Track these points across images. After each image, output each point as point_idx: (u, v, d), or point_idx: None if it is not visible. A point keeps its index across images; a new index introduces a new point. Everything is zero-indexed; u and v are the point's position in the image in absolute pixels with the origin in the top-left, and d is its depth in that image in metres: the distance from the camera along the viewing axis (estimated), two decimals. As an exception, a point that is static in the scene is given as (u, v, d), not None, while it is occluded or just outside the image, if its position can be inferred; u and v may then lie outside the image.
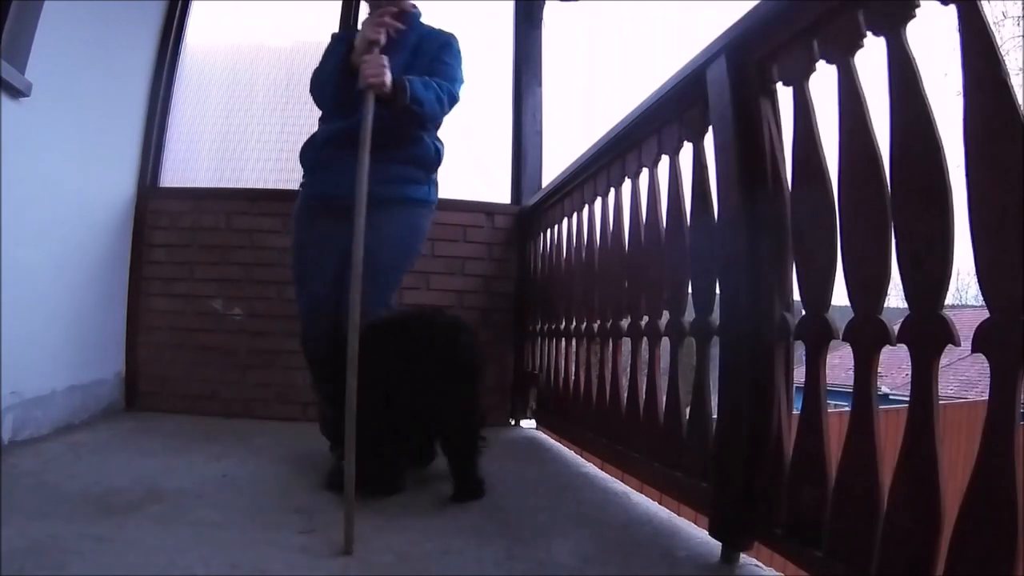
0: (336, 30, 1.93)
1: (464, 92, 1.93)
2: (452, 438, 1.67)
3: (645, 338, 1.75)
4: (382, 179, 1.80)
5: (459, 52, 1.95)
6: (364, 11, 3.10)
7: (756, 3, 1.20)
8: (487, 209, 3.05)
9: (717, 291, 1.37)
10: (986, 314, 0.79)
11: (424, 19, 2.02)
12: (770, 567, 1.23)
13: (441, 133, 2.00)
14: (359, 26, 1.85)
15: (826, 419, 1.08)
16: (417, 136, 1.89)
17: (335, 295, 1.78)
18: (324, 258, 1.85)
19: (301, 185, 1.99)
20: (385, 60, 1.70)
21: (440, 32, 1.96)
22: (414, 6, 2.00)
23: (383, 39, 1.75)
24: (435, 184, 1.99)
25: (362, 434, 1.40)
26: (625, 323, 1.87)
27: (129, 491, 1.59)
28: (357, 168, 1.54)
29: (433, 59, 1.87)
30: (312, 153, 1.95)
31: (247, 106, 3.14)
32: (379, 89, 1.66)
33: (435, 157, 1.95)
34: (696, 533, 1.42)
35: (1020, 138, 0.75)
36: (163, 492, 1.60)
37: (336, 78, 1.82)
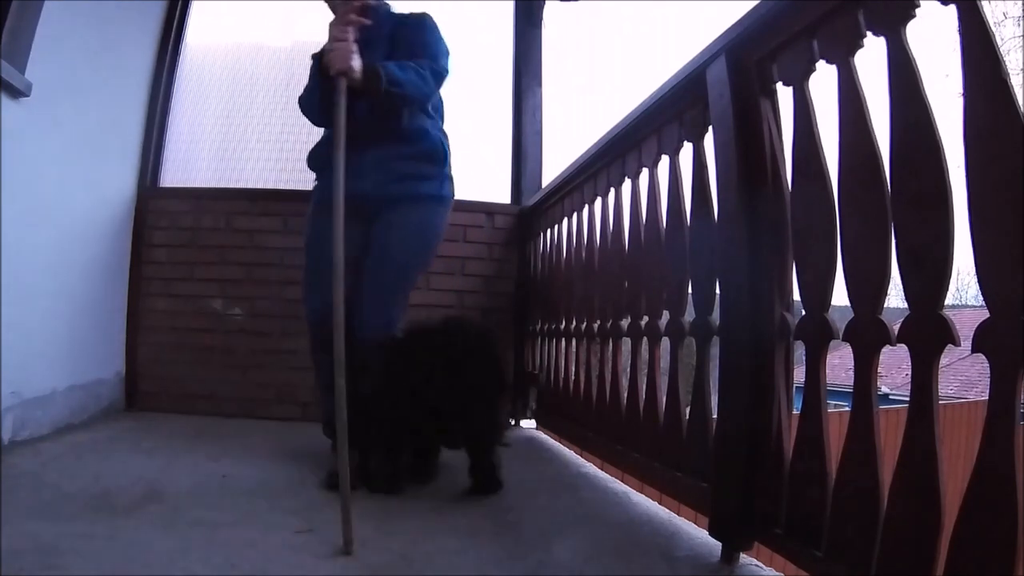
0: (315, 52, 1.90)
1: (451, 63, 1.90)
2: (477, 439, 1.76)
3: (645, 338, 1.75)
4: (392, 177, 1.83)
5: (434, 27, 1.91)
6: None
7: (756, 3, 1.20)
8: (487, 209, 3.05)
9: (717, 291, 1.37)
10: (986, 314, 0.79)
11: (396, 7, 2.00)
12: (770, 567, 1.23)
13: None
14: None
15: (826, 419, 1.08)
16: (422, 130, 1.87)
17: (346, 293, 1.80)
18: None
19: (313, 188, 2.00)
20: (353, 47, 1.67)
21: (410, 15, 1.94)
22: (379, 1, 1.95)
23: (352, 37, 1.70)
24: (449, 179, 1.97)
25: (377, 432, 1.60)
26: (625, 323, 1.87)
27: (129, 491, 1.59)
28: (334, 162, 1.55)
29: (412, 44, 1.84)
30: (318, 157, 1.95)
31: (247, 106, 3.14)
32: (348, 75, 1.64)
33: (443, 151, 1.94)
34: (696, 533, 1.41)
35: (1020, 138, 0.75)
36: (163, 492, 1.61)
37: (318, 91, 1.79)
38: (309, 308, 1.90)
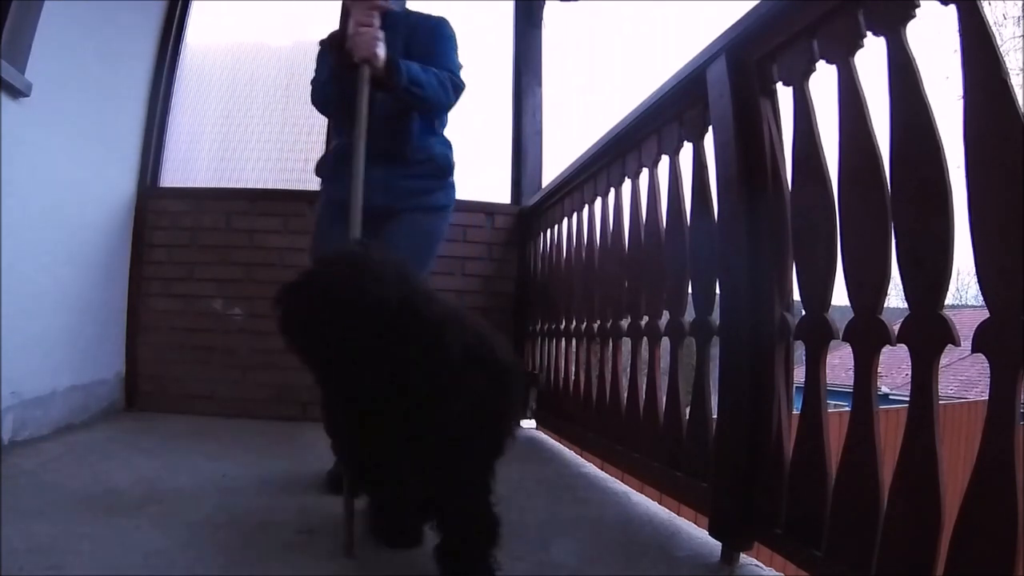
0: (323, 36, 1.87)
1: (465, 77, 1.85)
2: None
3: (645, 338, 1.75)
4: (400, 194, 1.84)
5: (451, 36, 1.86)
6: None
7: (756, 3, 1.20)
8: (487, 209, 3.05)
9: (717, 291, 1.37)
10: (986, 314, 0.79)
11: (411, 5, 1.94)
12: (770, 567, 1.23)
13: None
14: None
15: (826, 419, 1.08)
16: (428, 149, 1.85)
17: None
18: None
19: (320, 192, 2.00)
20: (380, 34, 1.63)
21: (428, 18, 1.88)
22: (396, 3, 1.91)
23: (377, 23, 1.66)
24: (451, 187, 1.96)
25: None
26: (625, 323, 1.87)
27: (129, 491, 1.59)
28: (354, 152, 1.53)
29: (426, 50, 1.78)
30: (326, 168, 1.96)
31: (247, 106, 3.14)
32: (372, 63, 1.60)
33: (446, 164, 1.92)
34: (696, 533, 1.42)
35: (1020, 138, 0.75)
36: (163, 492, 1.60)
37: (335, 82, 1.74)
38: None
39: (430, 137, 1.88)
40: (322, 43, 1.87)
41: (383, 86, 1.67)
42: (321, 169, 1.98)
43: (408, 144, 1.82)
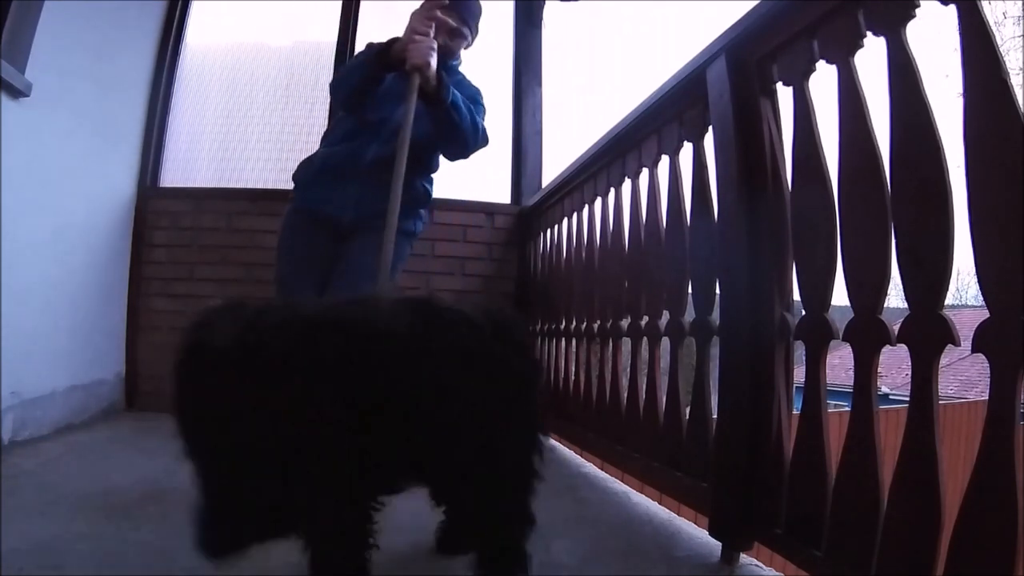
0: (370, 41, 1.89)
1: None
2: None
3: (645, 338, 1.75)
4: (370, 213, 1.82)
5: (483, 105, 1.94)
6: (364, 11, 3.12)
7: (756, 3, 1.20)
8: (487, 209, 3.05)
9: (717, 291, 1.37)
10: (986, 314, 0.79)
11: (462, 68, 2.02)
12: (770, 567, 1.23)
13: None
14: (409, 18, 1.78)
15: (826, 419, 1.08)
16: (409, 182, 1.85)
17: None
18: (309, 269, 1.86)
19: (295, 197, 1.99)
20: (433, 44, 1.65)
21: (469, 83, 1.96)
22: (456, 58, 1.98)
23: (432, 32, 1.69)
24: (421, 218, 2.01)
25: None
26: (625, 323, 1.87)
27: (129, 491, 1.59)
28: (396, 160, 1.57)
29: None
30: (307, 173, 1.95)
31: (247, 106, 3.14)
32: (423, 72, 1.62)
33: (423, 197, 1.97)
34: (696, 533, 1.41)
35: (1020, 138, 0.75)
36: (163, 492, 1.60)
37: (364, 69, 1.76)
38: None
39: (419, 173, 1.91)
40: (369, 45, 1.89)
41: (428, 98, 1.69)
42: (300, 173, 1.98)
43: (397, 176, 1.80)
